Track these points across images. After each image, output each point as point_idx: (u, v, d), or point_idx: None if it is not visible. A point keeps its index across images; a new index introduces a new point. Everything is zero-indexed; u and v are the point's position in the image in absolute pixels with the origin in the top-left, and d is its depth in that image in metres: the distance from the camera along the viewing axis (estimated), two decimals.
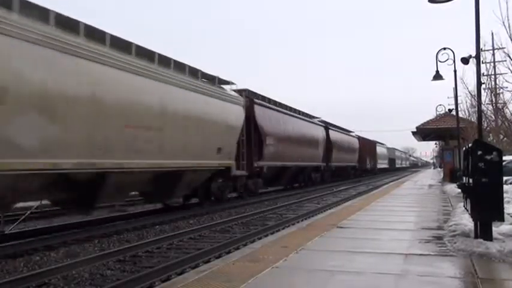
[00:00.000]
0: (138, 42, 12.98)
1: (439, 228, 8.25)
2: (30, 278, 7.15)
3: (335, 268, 5.31)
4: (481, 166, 6.27)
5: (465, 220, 7.65)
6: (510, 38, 13.17)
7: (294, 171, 27.41)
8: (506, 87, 19.35)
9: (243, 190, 20.71)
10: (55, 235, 10.93)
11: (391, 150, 79.13)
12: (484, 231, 6.32)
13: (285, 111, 26.35)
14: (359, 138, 49.78)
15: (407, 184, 27.42)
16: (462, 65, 14.87)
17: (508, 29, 13.18)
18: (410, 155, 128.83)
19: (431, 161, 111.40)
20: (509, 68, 14.85)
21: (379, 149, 62.32)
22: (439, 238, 7.16)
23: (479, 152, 6.31)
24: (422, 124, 30.84)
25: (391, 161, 77.30)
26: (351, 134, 47.72)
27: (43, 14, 10.05)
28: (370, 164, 53.32)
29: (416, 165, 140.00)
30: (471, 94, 20.63)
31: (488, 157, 6.24)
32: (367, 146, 52.41)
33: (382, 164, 65.08)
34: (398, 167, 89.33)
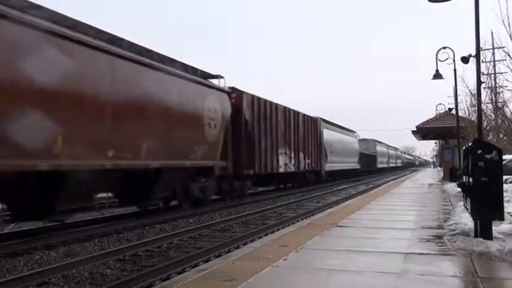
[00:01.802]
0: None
1: (439, 227, 8.26)
2: (30, 277, 7.14)
3: (335, 267, 5.31)
4: (481, 165, 6.28)
5: (465, 219, 7.66)
6: (510, 36, 13.19)
7: None
8: (506, 86, 19.32)
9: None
10: (55, 234, 10.93)
11: (370, 142, 53.26)
12: (484, 230, 6.33)
13: None
14: (240, 96, 19.34)
15: (407, 183, 27.46)
16: (462, 64, 14.86)
17: (507, 28, 13.19)
18: (404, 152, 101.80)
19: (431, 160, 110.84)
20: (509, 67, 14.89)
21: (335, 136, 35.52)
22: (439, 237, 7.16)
23: (479, 151, 6.32)
24: (422, 123, 30.91)
25: (369, 158, 50.80)
26: (215, 86, 17.06)
27: None
28: (297, 164, 26.30)
29: (413, 165, 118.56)
30: (471, 93, 20.64)
31: (488, 156, 6.24)
32: (281, 123, 23.82)
33: (345, 164, 38.09)
34: (383, 167, 61.35)
